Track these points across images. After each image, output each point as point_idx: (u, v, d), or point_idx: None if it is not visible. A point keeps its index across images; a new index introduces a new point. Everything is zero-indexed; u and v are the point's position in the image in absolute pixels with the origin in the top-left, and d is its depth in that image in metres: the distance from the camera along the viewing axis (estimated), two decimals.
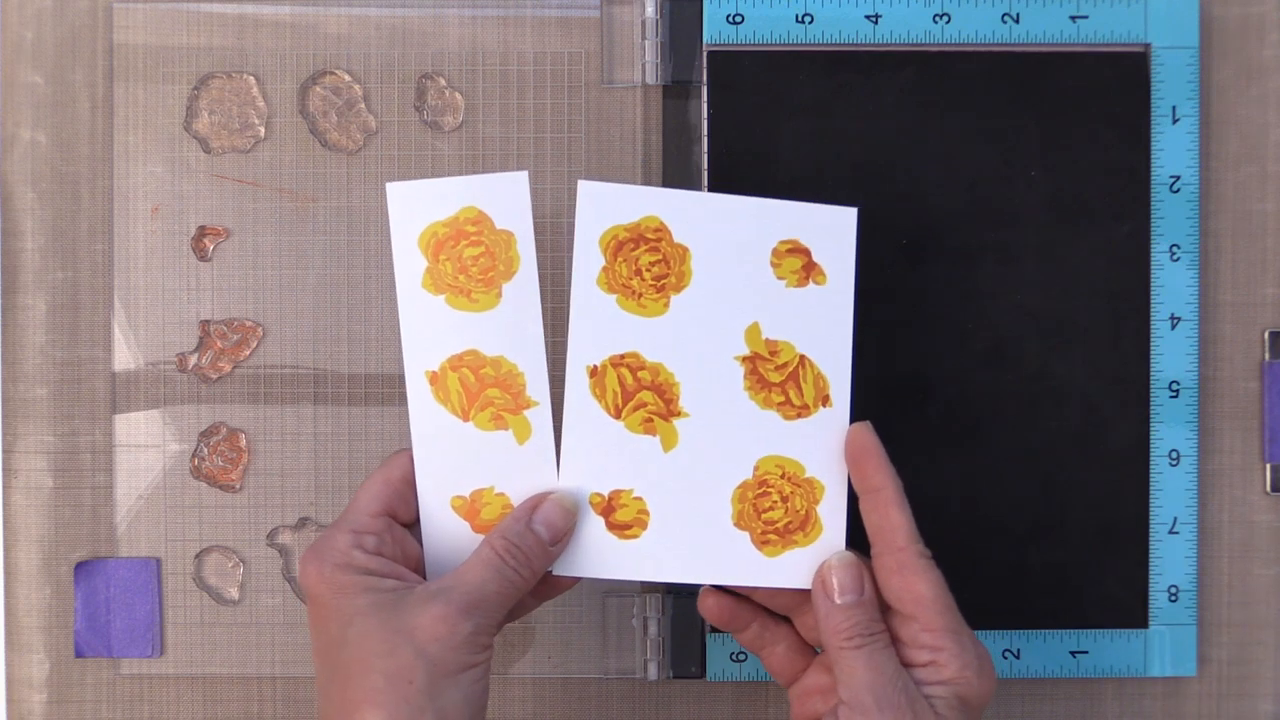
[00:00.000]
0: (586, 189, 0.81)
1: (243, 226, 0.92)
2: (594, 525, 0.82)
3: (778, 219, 0.81)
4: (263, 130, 0.92)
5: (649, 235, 0.81)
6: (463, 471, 0.82)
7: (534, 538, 0.80)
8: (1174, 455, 0.92)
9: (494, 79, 0.92)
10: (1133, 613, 0.92)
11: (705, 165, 0.91)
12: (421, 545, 0.82)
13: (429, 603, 0.76)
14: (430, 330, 0.81)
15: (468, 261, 0.81)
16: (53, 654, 0.93)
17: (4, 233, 0.93)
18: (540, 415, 0.82)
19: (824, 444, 0.82)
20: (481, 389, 0.81)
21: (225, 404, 0.92)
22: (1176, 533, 0.92)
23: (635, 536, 0.82)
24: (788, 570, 0.82)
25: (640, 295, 0.81)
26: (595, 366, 0.82)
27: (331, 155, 0.92)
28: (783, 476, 0.82)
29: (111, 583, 0.93)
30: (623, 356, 0.82)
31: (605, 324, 0.81)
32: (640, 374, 0.82)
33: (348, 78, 0.92)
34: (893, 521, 0.79)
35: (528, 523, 0.80)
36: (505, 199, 0.81)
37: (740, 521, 0.82)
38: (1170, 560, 0.92)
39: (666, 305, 0.81)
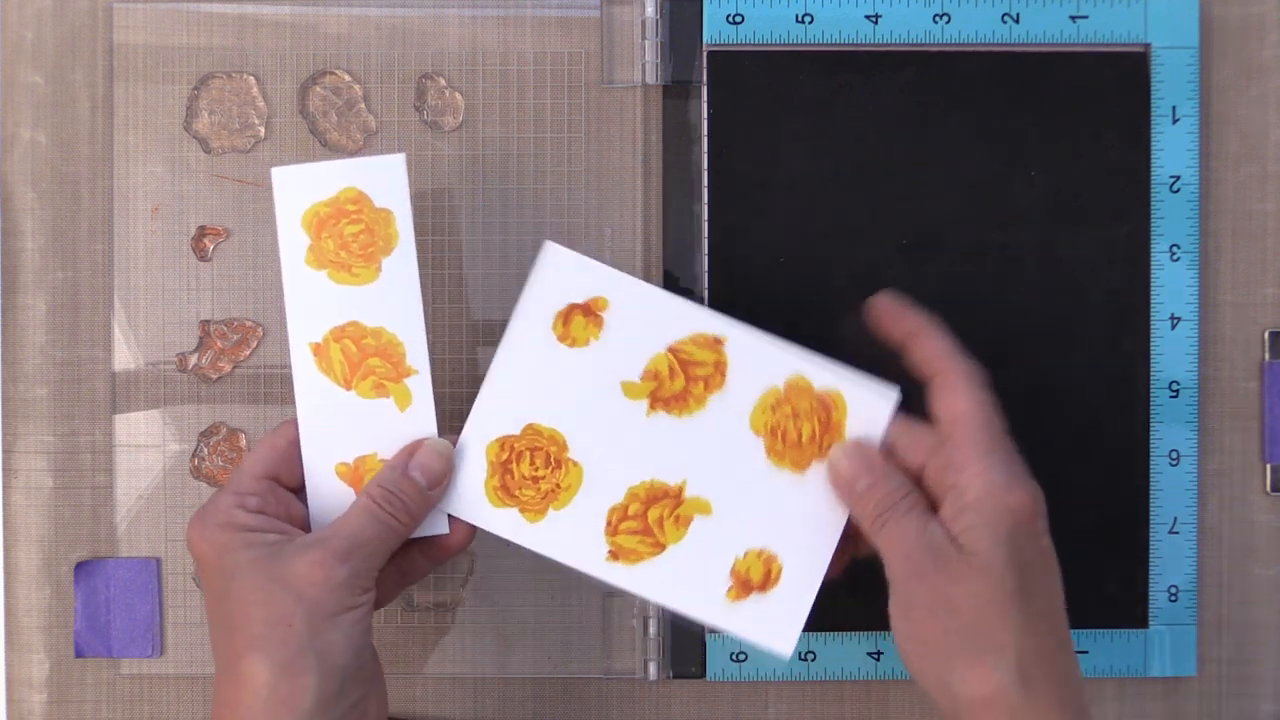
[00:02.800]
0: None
1: (243, 226, 0.92)
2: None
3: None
4: (263, 130, 0.92)
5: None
6: (346, 438, 0.84)
7: (410, 483, 0.81)
8: (1174, 455, 0.92)
9: (494, 79, 0.92)
10: (1133, 613, 0.92)
11: (705, 165, 0.91)
12: (308, 511, 0.83)
13: (306, 550, 0.78)
14: (313, 304, 0.83)
15: (348, 238, 0.83)
16: (53, 654, 0.93)
17: (4, 233, 0.93)
18: (420, 383, 0.84)
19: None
20: (363, 359, 0.83)
21: (225, 404, 0.92)
22: (1176, 533, 0.92)
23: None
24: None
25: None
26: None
27: (332, 155, 0.92)
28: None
29: (111, 583, 0.93)
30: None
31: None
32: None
33: (348, 78, 0.92)
34: (933, 347, 0.80)
35: (404, 469, 0.81)
36: (384, 180, 0.83)
37: None
38: (1170, 560, 0.92)
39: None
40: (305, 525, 0.83)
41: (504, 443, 0.83)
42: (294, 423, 0.83)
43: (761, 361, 0.82)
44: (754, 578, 0.82)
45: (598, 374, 0.83)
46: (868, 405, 0.81)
